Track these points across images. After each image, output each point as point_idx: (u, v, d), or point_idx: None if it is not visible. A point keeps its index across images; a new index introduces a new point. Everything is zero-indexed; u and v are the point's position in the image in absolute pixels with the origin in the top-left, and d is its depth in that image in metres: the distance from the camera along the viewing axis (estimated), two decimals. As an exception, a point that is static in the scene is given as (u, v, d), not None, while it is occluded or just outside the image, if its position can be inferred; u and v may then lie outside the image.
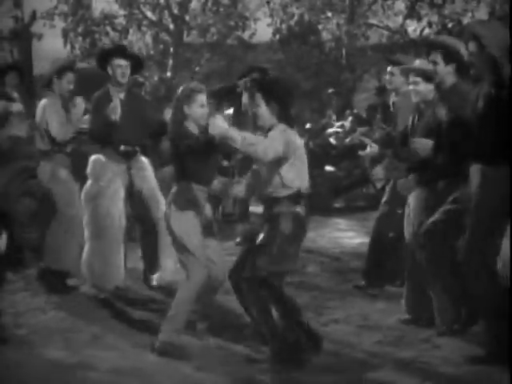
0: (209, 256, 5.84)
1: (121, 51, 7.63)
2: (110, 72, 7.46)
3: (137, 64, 7.70)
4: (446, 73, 5.93)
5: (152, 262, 7.60)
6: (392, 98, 7.62)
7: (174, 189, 5.92)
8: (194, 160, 5.76)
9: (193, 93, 5.87)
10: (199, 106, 5.87)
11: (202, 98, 5.89)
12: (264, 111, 5.60)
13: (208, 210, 5.99)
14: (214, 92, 8.76)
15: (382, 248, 7.43)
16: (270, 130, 5.60)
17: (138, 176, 7.52)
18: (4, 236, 6.02)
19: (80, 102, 7.56)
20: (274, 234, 5.47)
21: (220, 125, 5.39)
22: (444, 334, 5.88)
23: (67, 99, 7.70)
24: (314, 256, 9.10)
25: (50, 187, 7.67)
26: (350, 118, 13.79)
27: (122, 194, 7.42)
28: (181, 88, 6.01)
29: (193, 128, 5.84)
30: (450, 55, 5.91)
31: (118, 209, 7.36)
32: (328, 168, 12.82)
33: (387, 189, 7.45)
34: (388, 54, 18.10)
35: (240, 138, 5.31)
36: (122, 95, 7.47)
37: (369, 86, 20.14)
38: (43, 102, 7.68)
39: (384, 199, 7.43)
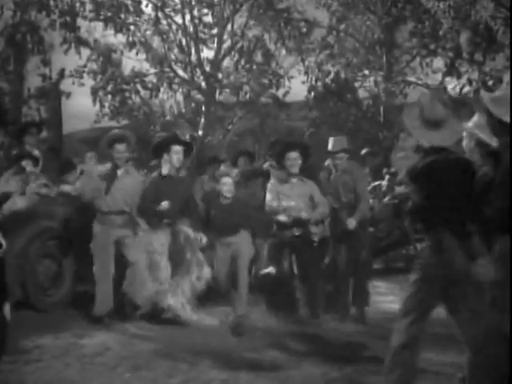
0: None
1: (176, 140, 8.92)
2: (166, 158, 8.61)
3: (188, 149, 8.93)
4: (299, 163, 8.69)
5: None
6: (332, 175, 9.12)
7: None
8: None
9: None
10: None
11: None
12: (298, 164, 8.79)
13: None
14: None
15: None
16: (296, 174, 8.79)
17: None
18: (8, 304, 5.45)
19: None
20: None
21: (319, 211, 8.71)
22: None
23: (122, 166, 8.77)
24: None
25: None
26: (387, 177, 13.41)
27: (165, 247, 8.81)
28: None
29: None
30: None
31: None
32: (367, 228, 12.35)
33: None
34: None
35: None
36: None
37: (405, 145, 19.67)
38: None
39: None
